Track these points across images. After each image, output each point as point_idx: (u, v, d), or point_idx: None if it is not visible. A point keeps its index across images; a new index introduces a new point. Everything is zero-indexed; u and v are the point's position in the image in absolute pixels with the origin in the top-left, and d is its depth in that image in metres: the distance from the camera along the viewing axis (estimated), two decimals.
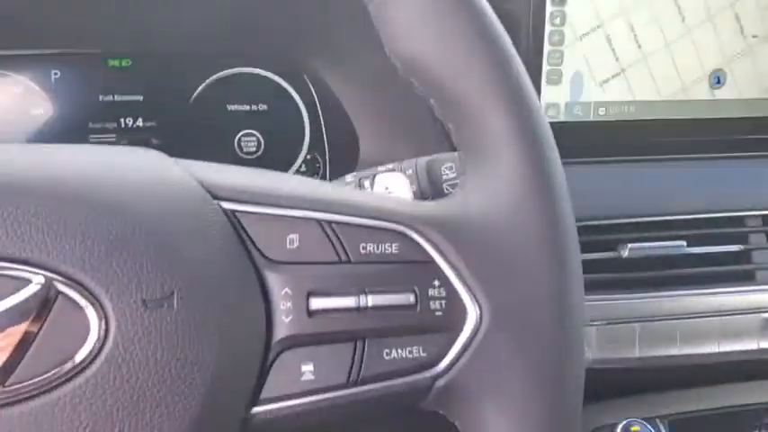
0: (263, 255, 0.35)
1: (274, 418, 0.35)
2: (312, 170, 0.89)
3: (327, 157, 0.89)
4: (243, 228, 0.35)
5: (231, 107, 0.88)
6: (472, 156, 0.39)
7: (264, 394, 0.34)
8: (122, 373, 0.31)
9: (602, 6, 0.72)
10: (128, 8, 0.80)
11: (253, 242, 0.35)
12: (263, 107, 0.88)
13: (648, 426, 0.69)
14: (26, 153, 0.35)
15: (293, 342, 0.35)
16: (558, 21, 0.71)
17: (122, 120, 0.85)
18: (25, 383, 0.30)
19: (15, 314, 0.30)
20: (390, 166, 0.52)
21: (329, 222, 0.36)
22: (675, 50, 0.74)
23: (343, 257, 0.36)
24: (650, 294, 0.71)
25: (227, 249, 0.35)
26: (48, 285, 0.31)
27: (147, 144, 0.85)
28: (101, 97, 0.85)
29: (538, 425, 0.36)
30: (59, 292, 0.31)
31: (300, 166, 0.89)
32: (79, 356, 0.31)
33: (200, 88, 0.87)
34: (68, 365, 0.31)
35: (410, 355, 0.36)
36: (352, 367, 0.35)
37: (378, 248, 0.36)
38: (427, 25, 0.38)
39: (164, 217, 0.33)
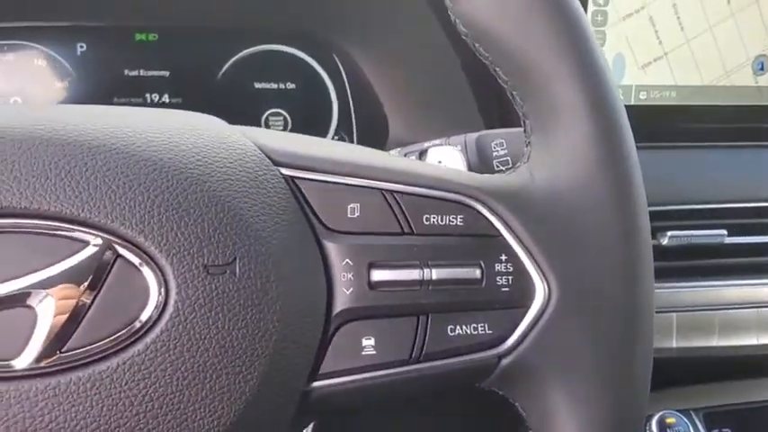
0: (322, 224, 0.34)
1: (333, 392, 0.33)
2: None
3: (355, 137, 0.88)
4: (302, 195, 0.34)
5: (258, 85, 0.86)
6: (539, 126, 0.37)
7: (324, 368, 0.33)
8: (183, 340, 0.30)
9: None
10: None
11: (312, 210, 0.34)
12: (290, 86, 0.86)
13: (684, 418, 0.68)
14: (89, 114, 0.33)
15: (354, 315, 0.33)
16: (601, 0, 0.69)
17: (148, 95, 0.84)
18: (82, 349, 0.29)
19: (72, 277, 0.29)
20: (438, 141, 0.50)
21: (392, 192, 0.35)
22: (719, 34, 0.72)
23: (406, 229, 0.34)
24: (689, 284, 0.70)
25: (288, 217, 0.33)
26: (106, 248, 0.29)
27: None
28: (127, 72, 0.83)
29: (605, 407, 0.35)
30: (118, 255, 0.29)
31: None
32: (138, 322, 0.29)
33: (227, 65, 0.85)
34: (127, 331, 0.29)
35: (475, 332, 0.34)
36: (414, 343, 0.34)
37: (442, 220, 0.35)
38: None
39: (225, 181, 0.32)
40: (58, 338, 0.29)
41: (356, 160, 0.35)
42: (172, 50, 0.84)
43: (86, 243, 0.29)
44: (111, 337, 0.29)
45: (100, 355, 0.29)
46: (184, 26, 0.84)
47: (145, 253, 0.30)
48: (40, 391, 0.28)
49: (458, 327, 0.34)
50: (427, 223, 0.34)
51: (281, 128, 0.86)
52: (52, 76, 0.82)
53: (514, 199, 0.35)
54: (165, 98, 0.84)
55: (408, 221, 0.34)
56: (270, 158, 0.34)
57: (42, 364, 0.28)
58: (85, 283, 0.29)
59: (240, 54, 0.85)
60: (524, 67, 0.36)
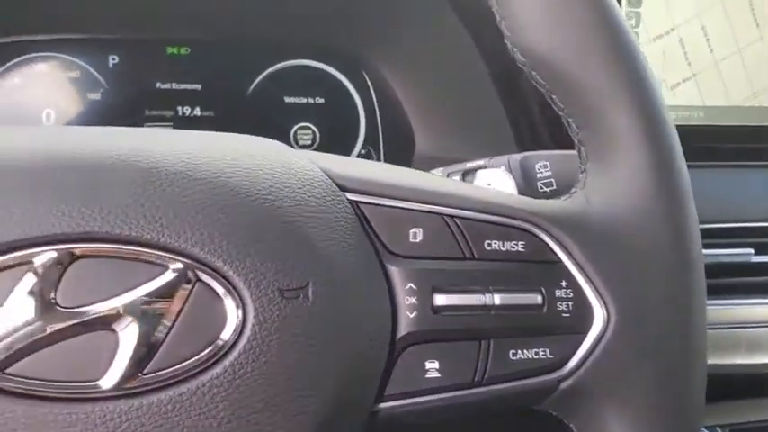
0: (385, 247, 0.35)
1: (398, 414, 0.34)
2: None
3: (382, 152, 0.89)
4: (366, 220, 0.35)
5: (288, 99, 0.87)
6: (595, 153, 0.38)
7: (389, 390, 0.34)
8: (260, 362, 0.30)
9: (677, 9, 0.71)
10: None
11: (376, 234, 0.35)
12: (319, 100, 0.88)
13: None
14: (161, 138, 0.34)
15: (417, 338, 0.34)
16: (633, 22, 0.70)
17: (180, 108, 0.85)
18: (163, 371, 0.30)
19: (153, 301, 0.30)
20: (481, 162, 0.51)
21: (453, 217, 0.35)
22: (747, 56, 0.73)
23: (468, 254, 0.35)
24: (716, 302, 0.70)
25: (353, 241, 0.34)
26: (185, 272, 0.30)
27: None
28: (158, 84, 0.85)
29: (660, 430, 0.36)
30: (197, 280, 0.30)
31: None
32: (216, 345, 0.30)
33: (258, 79, 0.86)
34: (206, 354, 0.30)
35: (536, 357, 0.35)
36: (477, 367, 0.34)
37: (503, 246, 0.35)
38: (554, 17, 0.37)
39: (296, 207, 0.33)
40: (140, 361, 0.29)
41: (418, 185, 0.36)
42: (203, 64, 0.85)
43: (166, 267, 0.30)
44: (191, 360, 0.30)
45: (180, 377, 0.30)
46: (216, 40, 0.85)
47: (223, 277, 0.30)
48: (124, 411, 0.29)
49: (519, 351, 0.35)
50: (488, 249, 0.35)
51: (310, 142, 0.87)
52: (85, 88, 0.83)
53: (573, 225, 0.36)
54: (197, 111, 0.85)
55: (470, 246, 0.35)
56: (335, 183, 0.35)
57: (125, 386, 0.29)
58: (166, 307, 0.30)
59: (271, 68, 0.86)
60: (582, 95, 0.37)
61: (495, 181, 0.46)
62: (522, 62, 0.39)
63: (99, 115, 0.83)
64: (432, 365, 0.34)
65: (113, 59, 0.84)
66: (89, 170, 0.31)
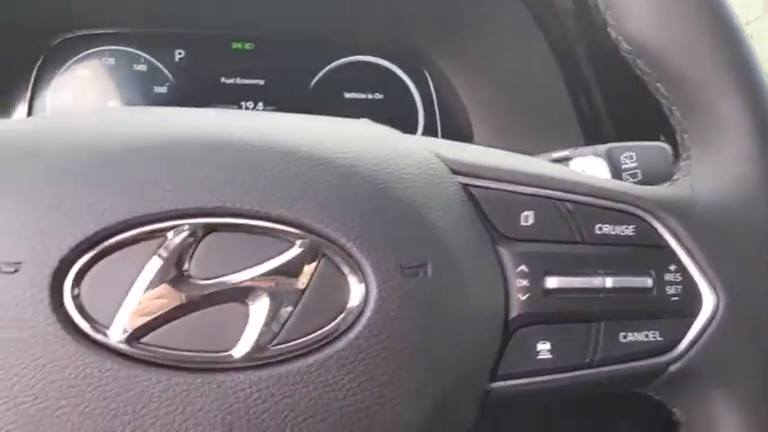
0: (496, 230, 0.35)
1: (510, 394, 0.34)
2: None
3: None
4: (478, 203, 0.35)
5: (348, 95, 0.88)
6: (700, 141, 0.38)
7: (502, 370, 0.34)
8: (383, 337, 0.31)
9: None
10: None
11: (488, 218, 0.35)
12: (378, 96, 0.88)
13: None
14: (282, 121, 0.35)
15: (529, 320, 0.35)
16: None
17: (243, 103, 0.86)
18: (291, 343, 0.30)
19: (281, 275, 0.31)
20: (566, 152, 0.51)
21: (564, 201, 0.36)
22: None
23: (578, 237, 0.36)
24: None
25: (467, 223, 0.34)
26: (312, 248, 0.31)
27: None
28: (223, 79, 0.86)
29: None
30: (323, 255, 0.31)
31: None
32: (341, 319, 0.31)
33: (320, 74, 0.87)
34: (331, 328, 0.31)
35: (646, 339, 0.35)
36: (588, 348, 0.35)
37: (614, 230, 0.36)
38: (659, 5, 0.37)
39: (412, 188, 0.33)
40: (270, 333, 0.30)
41: (528, 170, 0.36)
42: (267, 59, 0.86)
43: (293, 243, 0.31)
44: (317, 333, 0.30)
45: (307, 350, 0.30)
46: (279, 36, 0.86)
47: (347, 254, 0.31)
48: (254, 382, 0.30)
49: (629, 333, 0.35)
50: (599, 233, 0.36)
51: None
52: (151, 82, 0.84)
53: (681, 211, 0.36)
54: (260, 106, 0.86)
55: (580, 230, 0.36)
56: (449, 167, 0.35)
57: (255, 357, 0.30)
58: (294, 281, 0.31)
59: (332, 64, 0.87)
60: (688, 83, 0.37)
61: (589, 169, 0.46)
62: (628, 50, 0.39)
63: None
64: (543, 347, 0.35)
65: (179, 53, 0.85)
66: (221, 149, 0.31)
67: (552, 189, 0.36)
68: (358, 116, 0.87)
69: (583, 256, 0.35)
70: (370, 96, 0.88)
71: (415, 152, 0.35)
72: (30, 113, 0.83)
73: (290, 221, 0.31)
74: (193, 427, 0.29)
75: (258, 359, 0.30)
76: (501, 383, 0.34)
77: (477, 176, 0.36)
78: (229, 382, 0.30)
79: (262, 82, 0.86)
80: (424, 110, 0.89)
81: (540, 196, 0.36)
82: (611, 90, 0.72)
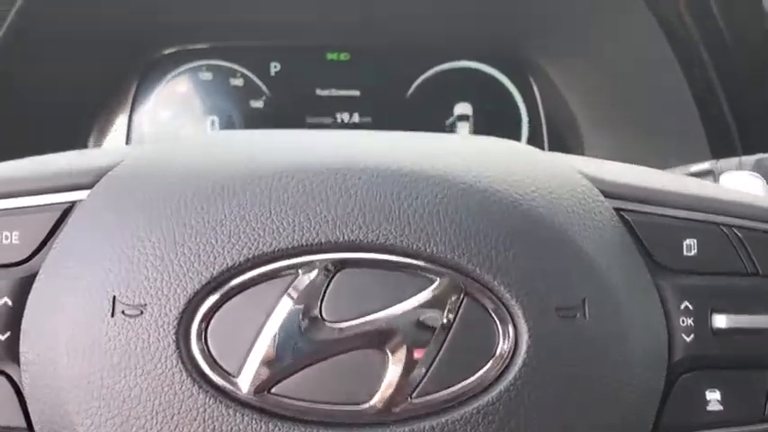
0: (655, 261, 0.31)
1: None
2: None
3: None
4: (633, 229, 0.31)
5: (447, 102, 0.85)
6: None
7: (666, 419, 0.30)
8: (535, 389, 0.27)
9: None
10: (351, 2, 0.78)
11: (645, 247, 0.31)
12: (479, 102, 0.85)
13: None
14: (404, 142, 0.32)
15: (696, 364, 0.30)
16: None
17: (338, 114, 0.84)
18: (432, 396, 0.27)
19: (421, 317, 0.27)
20: (706, 165, 0.46)
21: (732, 227, 0.31)
22: None
23: (751, 269, 0.31)
24: None
25: (623, 253, 0.30)
26: (455, 287, 0.28)
27: None
28: (318, 91, 0.84)
29: None
30: (467, 294, 0.28)
31: None
32: (488, 367, 0.27)
33: (416, 83, 0.84)
34: (478, 378, 0.27)
35: None
36: (766, 399, 0.30)
37: None
38: None
39: (564, 216, 0.30)
40: (409, 383, 0.27)
41: (689, 191, 0.32)
42: (363, 69, 0.84)
43: (433, 280, 0.28)
44: (462, 384, 0.27)
45: (451, 403, 0.27)
46: (376, 44, 0.84)
47: (493, 292, 0.28)
48: None
49: None
50: None
51: None
52: (248, 96, 0.83)
53: None
54: (356, 117, 0.84)
55: (753, 261, 0.31)
56: (600, 190, 0.31)
57: (393, 412, 0.27)
58: (434, 324, 0.27)
59: (429, 72, 0.84)
60: None
61: (743, 185, 0.41)
62: None
63: (261, 122, 0.84)
64: (713, 395, 0.30)
65: (275, 67, 0.84)
66: (350, 175, 0.29)
67: (718, 213, 0.31)
68: (460, 124, 0.84)
69: (757, 291, 0.31)
70: (469, 103, 0.85)
71: (559, 172, 0.31)
72: (129, 127, 0.84)
73: (429, 256, 0.28)
74: None
75: (398, 413, 0.27)
76: None
77: (631, 199, 0.32)
78: None
79: (357, 92, 0.84)
80: (529, 116, 0.84)
81: (704, 221, 0.31)
82: (737, 96, 0.66)
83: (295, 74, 0.84)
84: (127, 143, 0.83)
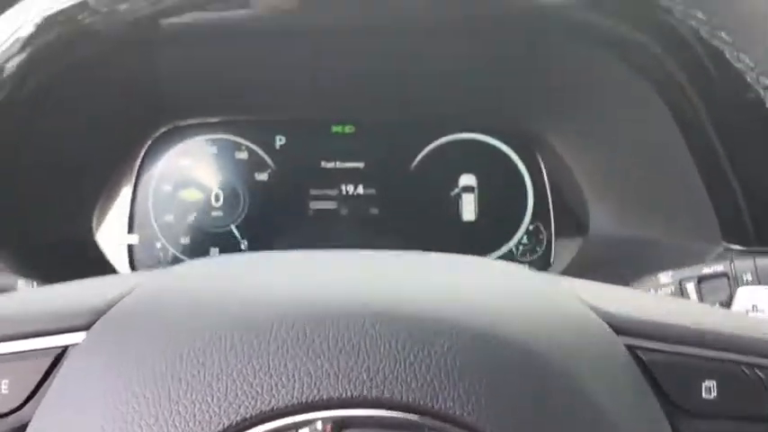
0: (674, 404, 0.29)
1: None
2: (535, 241, 0.83)
3: (552, 229, 0.83)
4: (647, 369, 0.30)
5: (452, 174, 0.84)
6: None
7: None
8: None
9: None
10: (356, 76, 0.78)
11: (661, 389, 0.30)
12: (484, 174, 0.84)
13: None
14: (411, 274, 0.31)
15: None
16: None
17: (343, 186, 0.84)
18: None
19: None
20: (719, 267, 0.45)
21: (755, 366, 0.30)
22: None
23: None
24: None
25: (639, 397, 0.29)
26: None
27: (366, 213, 0.83)
28: (323, 163, 0.84)
29: None
30: None
31: (522, 238, 0.83)
32: None
33: (421, 155, 0.84)
34: None
35: None
36: None
37: None
38: None
39: (575, 360, 0.28)
40: None
41: (705, 325, 0.31)
42: (367, 141, 0.83)
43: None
44: None
45: None
46: (380, 117, 0.83)
47: None
48: None
49: None
50: None
51: (474, 216, 0.83)
52: (252, 169, 0.83)
53: None
54: (360, 189, 0.83)
55: None
56: (611, 326, 0.30)
57: None
58: None
59: (434, 144, 0.84)
60: None
61: (762, 302, 0.40)
62: None
63: (266, 195, 0.83)
64: None
65: (280, 140, 0.84)
66: (347, 325, 0.28)
67: (738, 352, 0.30)
68: (464, 195, 0.83)
69: None
70: (474, 174, 0.84)
71: (568, 307, 0.30)
72: (133, 199, 0.83)
73: (437, 414, 0.26)
74: None
75: None
76: None
77: (644, 336, 0.30)
78: None
79: (361, 165, 0.84)
80: (534, 188, 0.84)
81: (723, 360, 0.30)
82: (745, 166, 0.65)
83: (300, 146, 0.84)
84: (131, 216, 0.82)
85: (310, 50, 0.73)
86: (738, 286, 0.45)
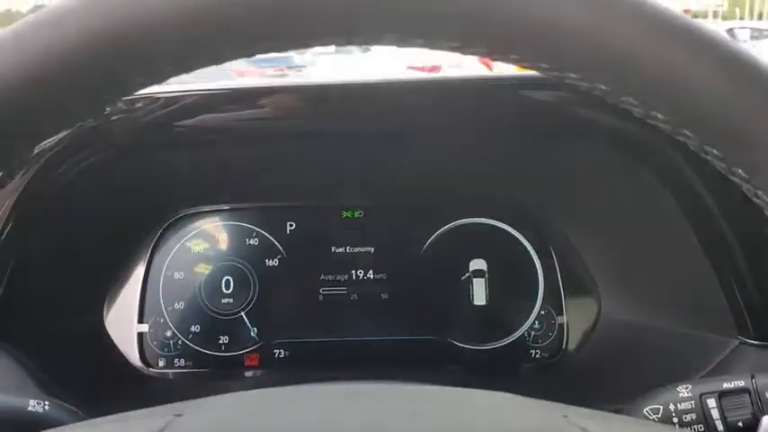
0: None
1: None
2: (547, 326, 0.83)
3: (565, 313, 0.83)
4: None
5: (462, 258, 0.84)
6: None
7: None
8: None
9: None
10: (366, 164, 0.79)
11: None
12: (494, 258, 0.84)
13: None
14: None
15: None
16: None
17: (354, 272, 0.83)
18: None
19: None
20: (741, 383, 0.44)
21: None
22: None
23: None
24: None
25: None
26: None
27: (377, 298, 0.83)
28: (333, 249, 0.84)
29: None
30: None
31: (534, 323, 0.83)
32: None
33: (430, 239, 0.84)
34: None
35: None
36: None
37: None
38: None
39: None
40: None
41: None
42: (377, 226, 0.84)
43: None
44: None
45: None
46: (389, 202, 0.84)
47: None
48: None
49: None
50: None
51: (486, 300, 0.83)
52: (263, 255, 0.83)
53: None
54: (371, 274, 0.83)
55: None
56: None
57: None
58: None
59: (443, 228, 0.84)
60: None
61: None
62: None
63: (276, 281, 0.83)
64: None
65: (291, 225, 0.84)
66: None
67: None
68: (475, 279, 0.83)
69: None
70: (484, 259, 0.84)
71: None
72: (144, 286, 0.83)
73: None
74: None
75: None
76: None
77: None
78: None
79: (371, 249, 0.84)
80: (544, 272, 0.83)
81: None
82: (759, 259, 0.65)
83: (310, 232, 0.84)
84: (141, 304, 0.82)
85: (321, 144, 0.74)
86: (761, 401, 0.44)
